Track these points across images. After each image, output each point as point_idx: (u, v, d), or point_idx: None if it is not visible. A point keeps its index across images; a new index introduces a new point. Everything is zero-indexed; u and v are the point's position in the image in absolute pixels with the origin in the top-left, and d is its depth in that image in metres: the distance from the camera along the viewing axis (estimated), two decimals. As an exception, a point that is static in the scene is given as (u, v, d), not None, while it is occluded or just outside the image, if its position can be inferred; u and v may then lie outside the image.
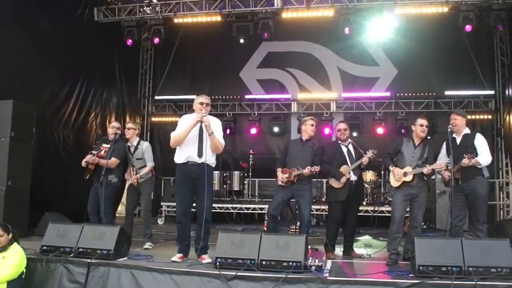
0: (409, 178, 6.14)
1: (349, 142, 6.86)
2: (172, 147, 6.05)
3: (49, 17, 9.22)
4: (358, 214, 7.49)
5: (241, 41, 11.04)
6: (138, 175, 7.37)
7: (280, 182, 6.59)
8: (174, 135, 5.98)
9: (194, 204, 6.12)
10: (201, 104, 5.98)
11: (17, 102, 7.77)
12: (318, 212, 10.46)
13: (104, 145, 7.27)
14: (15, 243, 5.38)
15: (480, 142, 6.11)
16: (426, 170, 6.04)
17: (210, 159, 5.97)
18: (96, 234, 5.96)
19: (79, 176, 7.21)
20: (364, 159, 6.56)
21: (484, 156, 5.99)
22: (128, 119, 12.13)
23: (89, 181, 7.15)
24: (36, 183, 8.28)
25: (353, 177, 6.66)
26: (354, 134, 11.16)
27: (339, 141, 6.84)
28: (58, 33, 9.42)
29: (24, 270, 5.32)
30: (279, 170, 6.66)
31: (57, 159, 9.33)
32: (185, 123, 5.97)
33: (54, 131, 9.41)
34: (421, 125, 6.27)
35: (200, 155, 5.89)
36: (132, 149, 7.48)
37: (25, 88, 8.34)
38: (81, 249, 5.84)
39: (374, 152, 6.55)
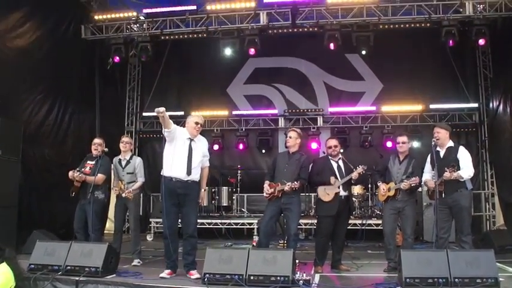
0: (391, 193, 6.51)
1: (340, 158, 6.93)
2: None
3: (34, 34, 9.22)
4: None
5: (228, 53, 11.03)
6: (131, 189, 7.24)
7: (265, 194, 6.61)
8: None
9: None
10: (196, 123, 6.16)
11: (4, 119, 7.75)
12: (307, 226, 10.48)
13: (88, 162, 7.29)
14: (3, 263, 5.26)
15: (463, 155, 6.23)
16: (403, 185, 6.34)
17: (196, 175, 6.08)
18: (84, 252, 5.95)
19: (64, 194, 7.18)
20: (354, 175, 6.62)
21: (466, 169, 6.11)
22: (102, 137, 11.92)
23: (75, 198, 7.12)
24: (22, 201, 8.22)
25: (343, 193, 6.70)
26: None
27: (330, 157, 6.90)
28: (41, 51, 9.39)
29: (11, 292, 5.20)
30: (266, 182, 6.67)
31: (40, 178, 9.17)
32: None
33: (35, 150, 9.21)
34: (398, 143, 6.70)
35: (189, 173, 5.99)
36: (123, 163, 7.46)
37: (8, 106, 8.25)
38: (69, 267, 5.83)
39: (364, 167, 6.63)
